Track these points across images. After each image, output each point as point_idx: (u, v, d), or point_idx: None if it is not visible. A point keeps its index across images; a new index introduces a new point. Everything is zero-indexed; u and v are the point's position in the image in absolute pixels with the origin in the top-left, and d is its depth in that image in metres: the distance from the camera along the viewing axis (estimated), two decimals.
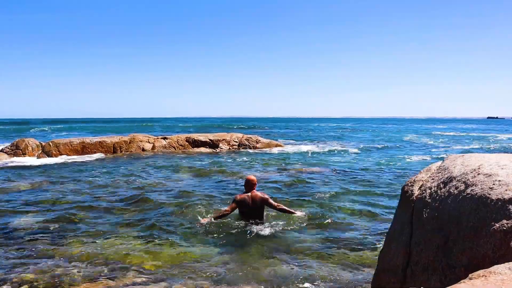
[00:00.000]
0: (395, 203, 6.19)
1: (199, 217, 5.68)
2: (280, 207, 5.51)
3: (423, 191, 2.32)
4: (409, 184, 2.54)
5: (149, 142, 16.07)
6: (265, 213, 5.57)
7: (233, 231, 5.14)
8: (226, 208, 5.54)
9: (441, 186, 2.18)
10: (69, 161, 12.97)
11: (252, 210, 5.38)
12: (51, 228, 5.34)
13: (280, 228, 5.20)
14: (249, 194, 5.40)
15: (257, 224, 5.30)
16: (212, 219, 5.45)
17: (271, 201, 5.45)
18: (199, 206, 6.36)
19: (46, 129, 43.44)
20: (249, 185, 5.45)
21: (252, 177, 5.52)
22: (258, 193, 5.43)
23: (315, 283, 3.62)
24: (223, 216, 5.42)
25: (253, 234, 4.99)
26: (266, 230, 5.09)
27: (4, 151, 14.14)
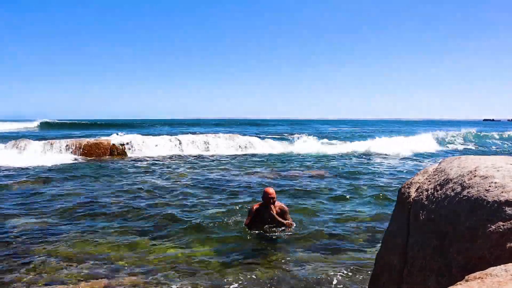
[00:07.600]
0: (393, 203, 6.22)
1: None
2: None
3: (420, 193, 2.34)
4: (406, 186, 2.56)
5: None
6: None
7: (233, 235, 5.14)
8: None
9: (438, 188, 2.20)
10: (67, 163, 12.90)
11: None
12: (47, 228, 5.31)
13: (279, 230, 5.20)
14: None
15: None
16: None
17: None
18: (199, 207, 6.37)
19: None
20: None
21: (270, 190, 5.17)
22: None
23: (312, 283, 3.62)
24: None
25: (253, 237, 4.99)
26: (267, 234, 5.09)
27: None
